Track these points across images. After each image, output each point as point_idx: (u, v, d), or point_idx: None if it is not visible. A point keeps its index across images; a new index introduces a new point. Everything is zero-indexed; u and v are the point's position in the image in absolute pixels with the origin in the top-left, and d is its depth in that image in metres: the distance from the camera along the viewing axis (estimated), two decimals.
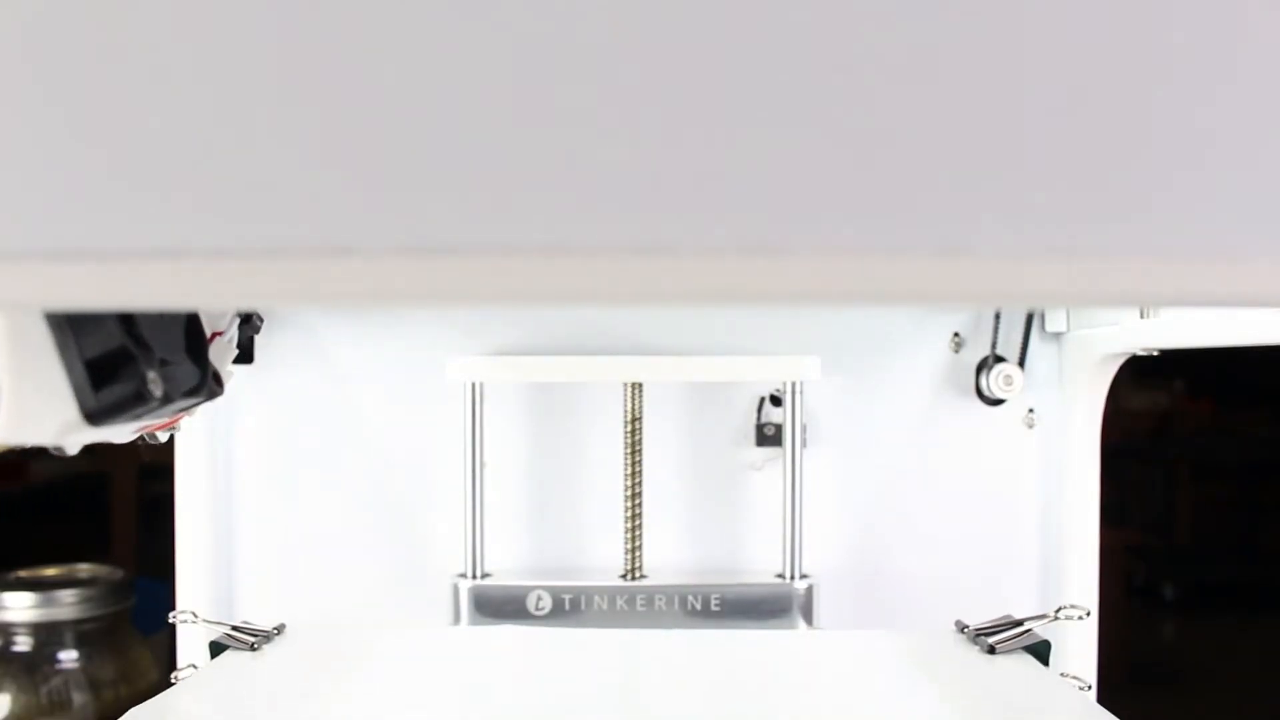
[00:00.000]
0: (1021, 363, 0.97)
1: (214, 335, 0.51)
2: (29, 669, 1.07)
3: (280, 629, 0.80)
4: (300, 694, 0.66)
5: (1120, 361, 0.93)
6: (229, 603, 0.97)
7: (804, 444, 0.93)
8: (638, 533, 0.93)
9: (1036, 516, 0.99)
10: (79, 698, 1.07)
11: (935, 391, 1.00)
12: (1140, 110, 0.17)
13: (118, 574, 1.14)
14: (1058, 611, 0.77)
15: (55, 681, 1.07)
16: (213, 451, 0.96)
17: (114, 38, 0.16)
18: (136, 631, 1.16)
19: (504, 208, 0.17)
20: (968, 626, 0.77)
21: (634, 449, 0.94)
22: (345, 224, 0.17)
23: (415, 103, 0.17)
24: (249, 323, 0.92)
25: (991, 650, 0.71)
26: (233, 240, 0.17)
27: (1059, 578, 0.97)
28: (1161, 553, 2.06)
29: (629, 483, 0.94)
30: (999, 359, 0.97)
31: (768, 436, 0.97)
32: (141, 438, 0.61)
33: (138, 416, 0.42)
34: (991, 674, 0.68)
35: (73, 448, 0.42)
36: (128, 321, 0.39)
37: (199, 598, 0.94)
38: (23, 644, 1.07)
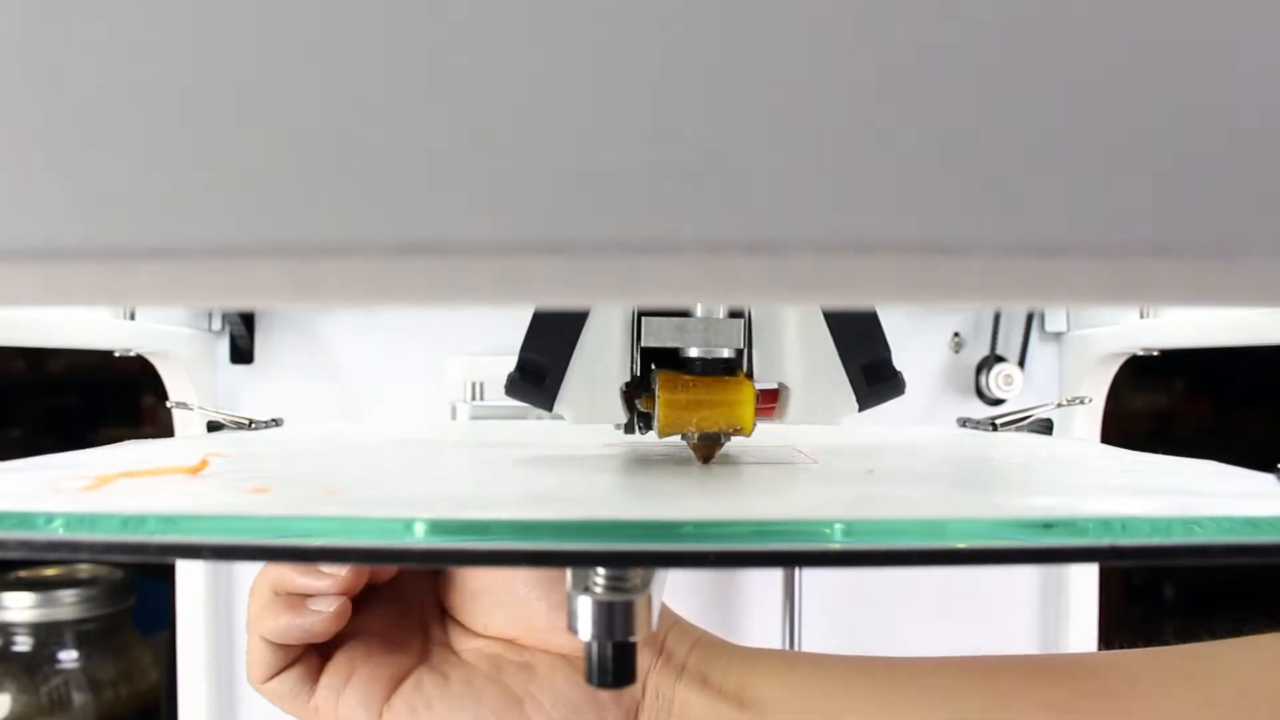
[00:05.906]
0: (1021, 363, 0.97)
1: None
2: (29, 669, 1.07)
3: (278, 421, 0.80)
4: (300, 435, 0.67)
5: (1120, 361, 0.93)
6: (229, 602, 0.97)
7: None
8: None
9: None
10: (79, 698, 1.07)
11: (935, 391, 0.99)
12: (1139, 109, 0.17)
13: (118, 574, 1.14)
14: (1059, 402, 0.80)
15: (55, 681, 1.07)
16: None
17: (113, 37, 0.16)
18: (136, 631, 1.16)
19: (504, 208, 0.17)
20: (969, 419, 0.77)
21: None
22: (345, 224, 0.17)
23: (415, 101, 0.17)
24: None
25: (994, 428, 0.74)
26: (233, 240, 0.17)
27: (1058, 575, 0.97)
28: None
29: None
30: (999, 359, 0.97)
31: None
32: None
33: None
34: (996, 437, 0.71)
35: None
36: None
37: (199, 598, 0.94)
38: (23, 644, 1.07)
